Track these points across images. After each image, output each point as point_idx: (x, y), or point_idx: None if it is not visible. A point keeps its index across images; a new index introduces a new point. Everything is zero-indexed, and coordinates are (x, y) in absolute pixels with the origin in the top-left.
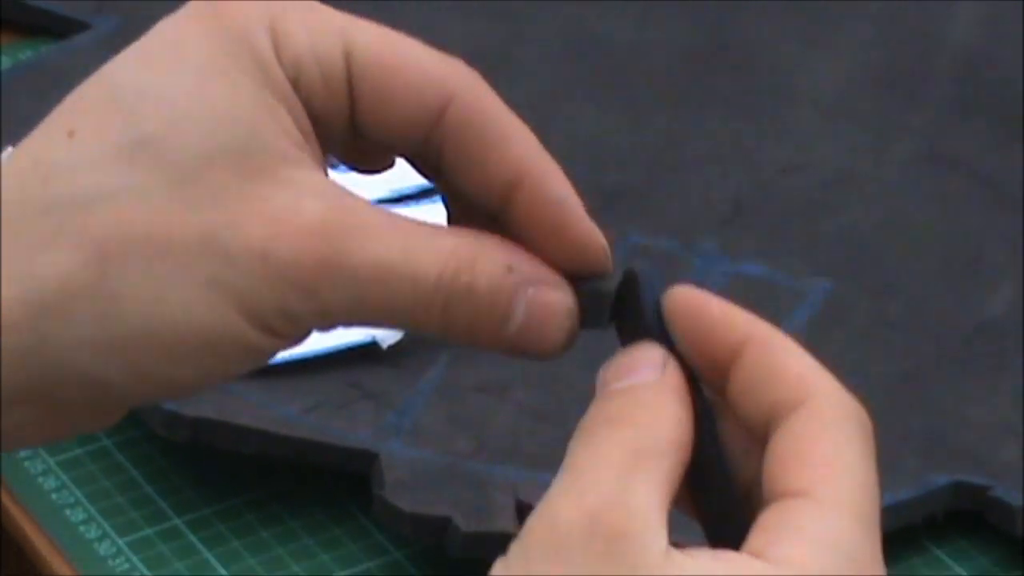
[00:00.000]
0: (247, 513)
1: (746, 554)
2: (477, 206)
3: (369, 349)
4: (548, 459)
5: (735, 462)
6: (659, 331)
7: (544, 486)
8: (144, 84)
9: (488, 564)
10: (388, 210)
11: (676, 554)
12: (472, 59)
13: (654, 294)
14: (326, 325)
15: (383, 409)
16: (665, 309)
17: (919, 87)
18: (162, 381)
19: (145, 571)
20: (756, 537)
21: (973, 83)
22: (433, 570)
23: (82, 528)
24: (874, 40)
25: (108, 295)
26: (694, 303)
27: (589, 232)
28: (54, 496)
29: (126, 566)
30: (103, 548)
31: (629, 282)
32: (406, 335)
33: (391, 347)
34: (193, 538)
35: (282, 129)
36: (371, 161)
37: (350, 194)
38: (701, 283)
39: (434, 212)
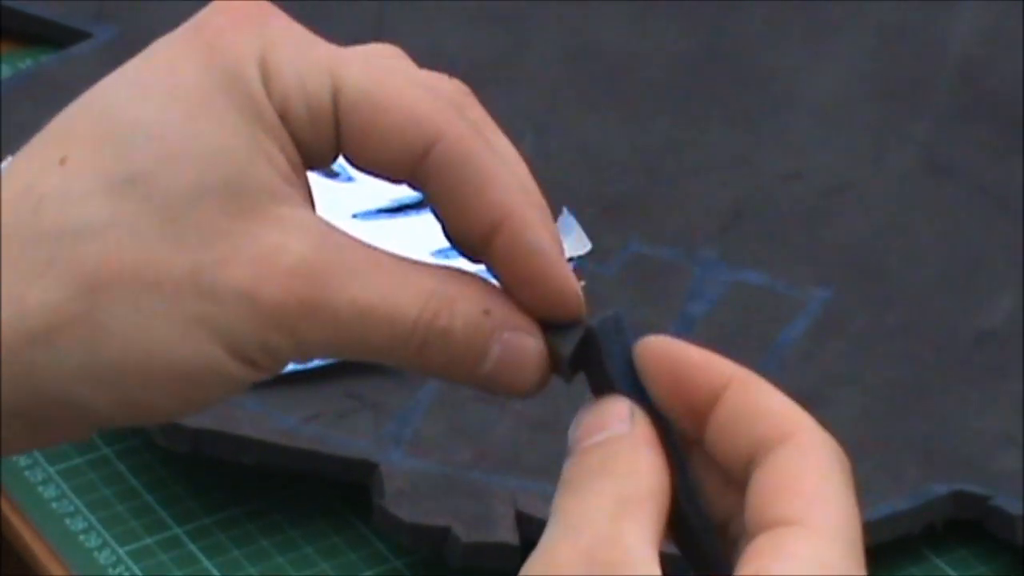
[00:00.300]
0: (247, 522)
1: None
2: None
3: None
4: (548, 469)
5: (710, 500)
6: (629, 380)
7: (544, 496)
8: (136, 116)
9: (488, 574)
10: (371, 247)
11: None
12: (473, 67)
13: (622, 344)
14: (305, 359)
15: (383, 419)
16: (637, 358)
17: (919, 95)
18: (144, 408)
19: None
20: (751, 561)
21: (973, 91)
22: None
23: (82, 537)
24: (874, 48)
25: (95, 327)
26: (670, 352)
27: (564, 281)
28: (54, 505)
29: (126, 575)
30: (103, 557)
31: (590, 338)
32: None
33: None
34: (193, 547)
35: (271, 165)
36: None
37: (335, 231)
38: (701, 291)
39: (432, 222)
